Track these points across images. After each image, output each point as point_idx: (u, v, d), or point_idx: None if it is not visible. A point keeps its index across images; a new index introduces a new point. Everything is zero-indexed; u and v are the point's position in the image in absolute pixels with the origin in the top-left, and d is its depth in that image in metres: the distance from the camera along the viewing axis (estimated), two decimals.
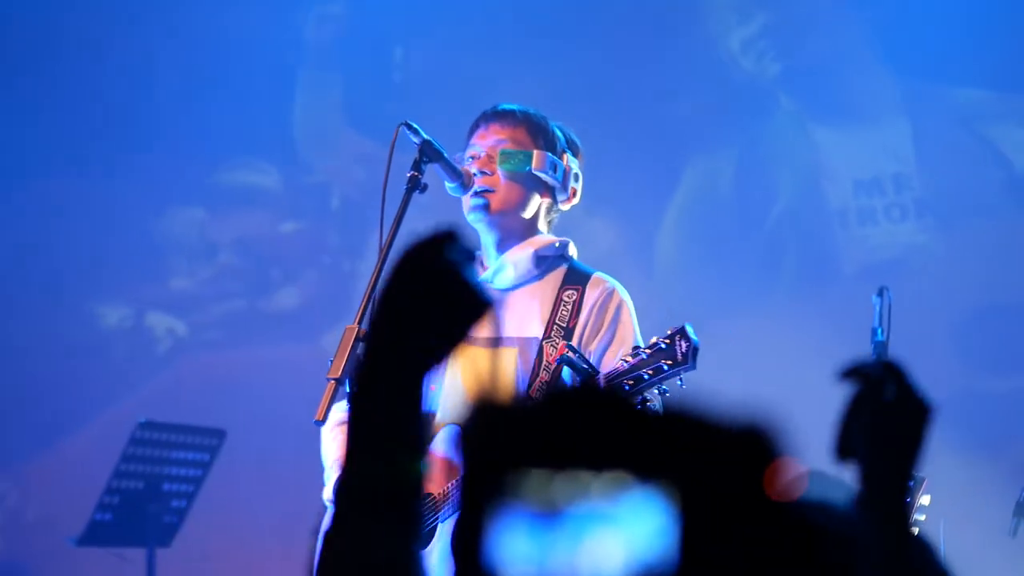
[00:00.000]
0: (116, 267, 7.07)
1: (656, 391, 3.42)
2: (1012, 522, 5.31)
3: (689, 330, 3.39)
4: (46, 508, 6.85)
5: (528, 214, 3.75)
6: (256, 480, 6.69)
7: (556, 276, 3.75)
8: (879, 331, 5.23)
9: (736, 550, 1.01)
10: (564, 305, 3.69)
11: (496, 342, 3.66)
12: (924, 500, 4.39)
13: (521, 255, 3.73)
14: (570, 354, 3.43)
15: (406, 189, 3.47)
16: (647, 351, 3.40)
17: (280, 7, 7.21)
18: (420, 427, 1.47)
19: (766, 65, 6.96)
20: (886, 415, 1.52)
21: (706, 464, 1.01)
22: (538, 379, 3.61)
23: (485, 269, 3.76)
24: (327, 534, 1.45)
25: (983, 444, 6.31)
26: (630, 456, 1.01)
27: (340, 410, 3.56)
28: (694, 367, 3.38)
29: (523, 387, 3.62)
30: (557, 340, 3.63)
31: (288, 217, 7.26)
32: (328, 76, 7.26)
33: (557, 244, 3.76)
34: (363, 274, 6.97)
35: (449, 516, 3.53)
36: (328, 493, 3.68)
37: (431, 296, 1.50)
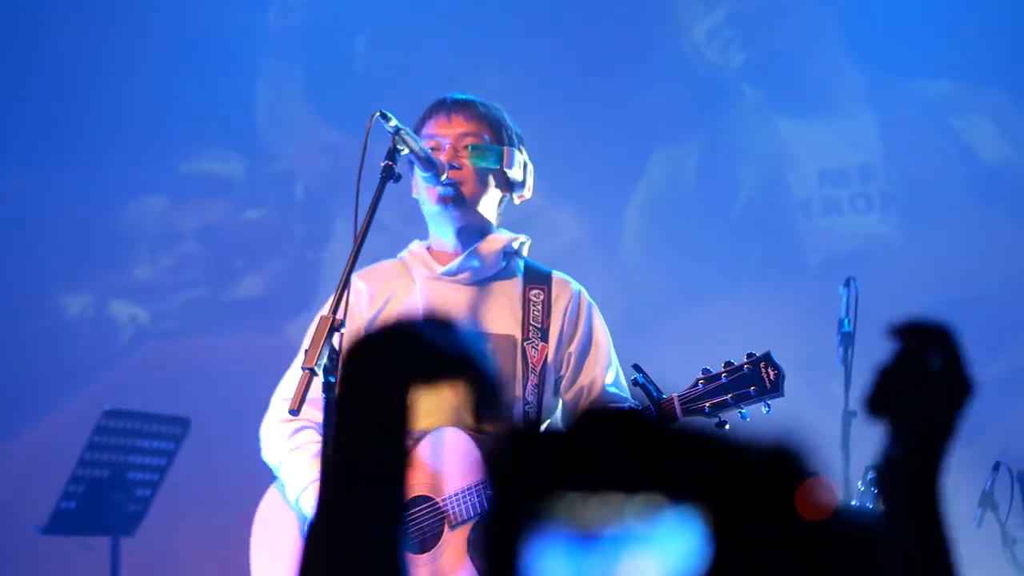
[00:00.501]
0: (78, 256, 7.03)
1: (739, 415, 3.45)
2: (977, 512, 5.34)
3: (774, 357, 3.43)
4: (11, 496, 6.81)
5: (488, 208, 3.76)
6: (219, 468, 6.66)
7: (516, 273, 3.77)
8: (846, 321, 5.26)
9: (760, 556, 1.01)
10: (533, 305, 3.70)
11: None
12: None
13: (490, 250, 3.73)
14: (641, 375, 3.42)
15: (380, 178, 3.45)
16: (726, 374, 3.43)
17: None
18: (404, 411, 1.47)
19: (731, 55, 6.96)
20: (928, 385, 1.47)
21: (737, 482, 1.01)
22: (529, 382, 3.61)
23: (452, 256, 3.75)
24: (315, 522, 1.43)
25: None
26: (662, 476, 1.01)
27: (288, 433, 3.59)
28: (783, 395, 3.41)
29: (505, 387, 3.62)
30: (536, 341, 3.64)
31: (251, 206, 7.24)
32: (291, 65, 7.23)
33: (517, 243, 3.78)
34: (326, 263, 6.95)
35: (460, 525, 3.49)
36: (291, 493, 3.68)
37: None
